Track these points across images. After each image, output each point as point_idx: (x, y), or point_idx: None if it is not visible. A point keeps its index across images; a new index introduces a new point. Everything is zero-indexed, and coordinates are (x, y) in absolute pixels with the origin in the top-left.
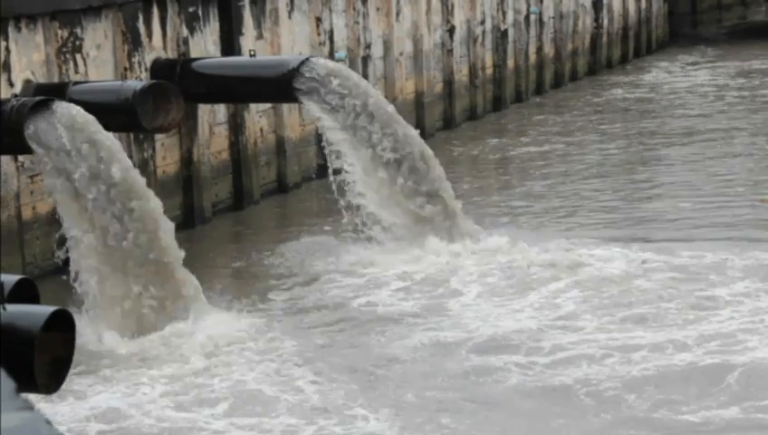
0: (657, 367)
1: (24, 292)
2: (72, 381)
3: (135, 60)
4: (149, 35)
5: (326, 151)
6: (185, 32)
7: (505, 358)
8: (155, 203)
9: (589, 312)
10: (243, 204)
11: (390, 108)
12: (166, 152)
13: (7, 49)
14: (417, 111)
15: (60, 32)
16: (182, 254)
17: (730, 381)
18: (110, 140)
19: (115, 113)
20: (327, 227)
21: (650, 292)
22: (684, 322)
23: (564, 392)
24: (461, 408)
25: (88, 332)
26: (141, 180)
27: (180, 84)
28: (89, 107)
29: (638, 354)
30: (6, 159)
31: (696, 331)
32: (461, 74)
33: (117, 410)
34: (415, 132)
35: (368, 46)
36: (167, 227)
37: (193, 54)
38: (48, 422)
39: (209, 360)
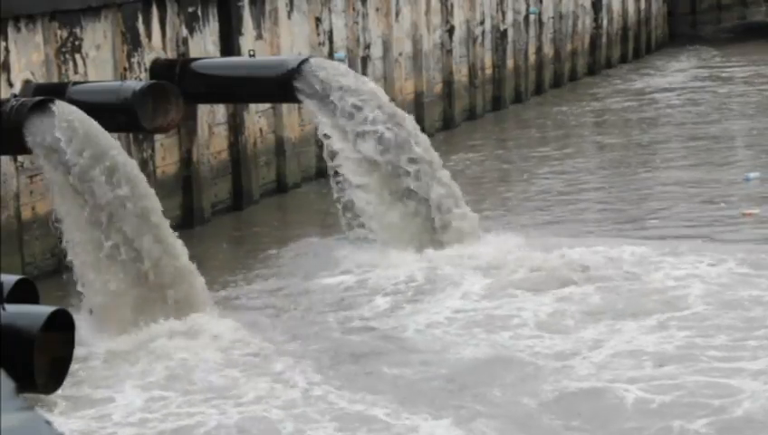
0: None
1: (23, 292)
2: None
3: (134, 60)
4: (149, 36)
5: (325, 151)
6: (184, 32)
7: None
8: (155, 203)
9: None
10: (242, 204)
11: (392, 105)
12: (165, 152)
13: (7, 49)
14: (416, 112)
15: (59, 32)
16: (185, 251)
17: None
18: (110, 141)
19: (115, 113)
20: (326, 228)
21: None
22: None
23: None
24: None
25: (87, 331)
26: (143, 180)
27: (180, 84)
28: (88, 107)
29: None
30: (6, 159)
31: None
32: (460, 75)
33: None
34: (419, 131)
35: (367, 46)
36: (165, 225)
37: (192, 55)
38: (48, 422)
39: (207, 360)
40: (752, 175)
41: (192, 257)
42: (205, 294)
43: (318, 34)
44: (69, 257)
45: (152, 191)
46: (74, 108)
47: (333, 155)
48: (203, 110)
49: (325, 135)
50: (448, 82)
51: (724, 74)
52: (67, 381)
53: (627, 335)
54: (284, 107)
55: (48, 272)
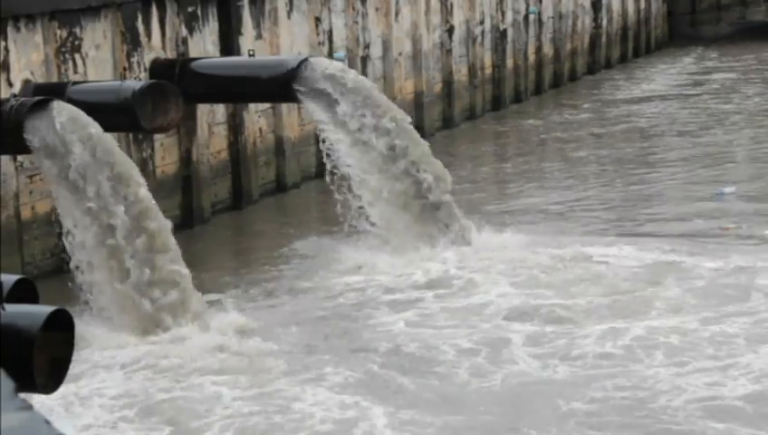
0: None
1: (23, 292)
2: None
3: (134, 60)
4: (148, 35)
5: (325, 151)
6: (184, 32)
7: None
8: (152, 202)
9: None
10: (242, 204)
11: (391, 104)
12: (165, 152)
13: (6, 49)
14: (416, 111)
15: (59, 32)
16: (179, 251)
17: None
18: (109, 141)
19: (114, 113)
20: (326, 228)
21: None
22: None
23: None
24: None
25: (85, 328)
26: (140, 180)
27: (179, 84)
28: (88, 107)
29: None
30: (5, 158)
31: None
32: (460, 74)
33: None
34: (414, 131)
35: (367, 46)
36: (165, 225)
37: (192, 54)
38: (47, 422)
39: (204, 358)
40: (726, 190)
41: (191, 257)
42: (200, 303)
43: (317, 34)
44: (69, 257)
45: (151, 199)
46: (74, 108)
47: (333, 155)
48: (202, 109)
49: (324, 135)
50: (448, 82)
51: (721, 78)
52: None
53: None
54: (284, 107)
55: (48, 272)
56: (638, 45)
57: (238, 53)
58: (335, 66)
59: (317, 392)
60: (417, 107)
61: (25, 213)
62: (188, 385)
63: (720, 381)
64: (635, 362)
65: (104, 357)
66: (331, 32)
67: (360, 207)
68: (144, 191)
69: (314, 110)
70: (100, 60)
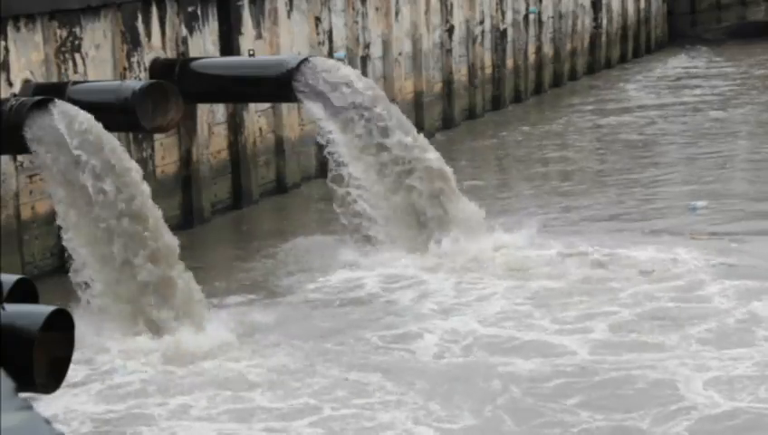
0: None
1: (22, 291)
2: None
3: (134, 59)
4: (148, 35)
5: (325, 151)
6: (184, 31)
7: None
8: (152, 206)
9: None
10: (242, 204)
11: (391, 105)
12: (165, 152)
13: (6, 49)
14: (416, 111)
15: (59, 31)
16: (178, 250)
17: None
18: (110, 140)
19: (114, 113)
20: (326, 228)
21: None
22: None
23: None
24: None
25: (86, 330)
26: (141, 180)
27: (179, 84)
28: (88, 107)
29: None
30: (5, 158)
31: None
32: (460, 74)
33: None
34: (415, 131)
35: (367, 46)
36: (162, 225)
37: (192, 54)
38: (47, 422)
39: (204, 358)
40: (699, 204)
41: (191, 257)
42: (201, 303)
43: (317, 34)
44: (69, 256)
45: (150, 200)
46: (74, 107)
47: (333, 154)
48: (202, 109)
49: (325, 135)
50: (448, 82)
51: (720, 80)
52: None
53: None
54: (284, 107)
55: (48, 272)
56: (637, 45)
57: (238, 52)
58: (335, 66)
59: (316, 393)
60: (417, 107)
61: (25, 213)
62: (185, 386)
63: None
64: None
65: (95, 356)
66: (330, 31)
67: (359, 208)
68: (144, 190)
69: (314, 110)
70: (100, 60)
